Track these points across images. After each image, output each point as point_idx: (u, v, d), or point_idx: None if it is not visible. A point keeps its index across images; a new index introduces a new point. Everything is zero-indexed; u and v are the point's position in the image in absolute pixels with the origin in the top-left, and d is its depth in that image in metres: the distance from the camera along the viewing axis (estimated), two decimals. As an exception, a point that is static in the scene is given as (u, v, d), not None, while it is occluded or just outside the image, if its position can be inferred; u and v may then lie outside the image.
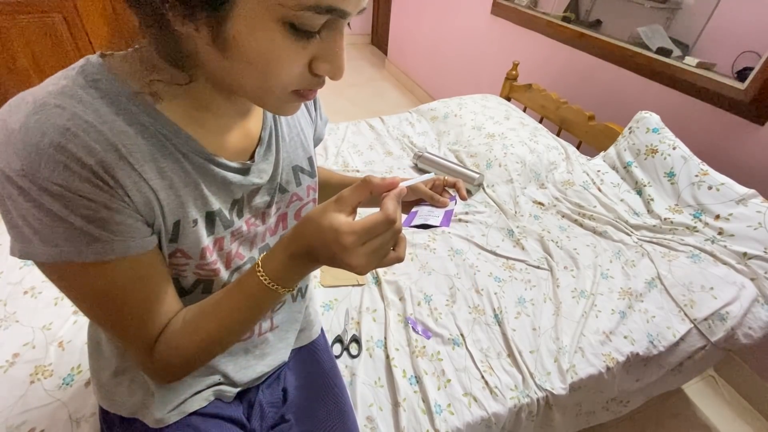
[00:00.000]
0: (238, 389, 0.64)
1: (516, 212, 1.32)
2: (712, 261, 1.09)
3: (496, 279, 1.08)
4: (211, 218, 0.46)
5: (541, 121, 1.80)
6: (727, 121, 1.30)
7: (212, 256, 0.47)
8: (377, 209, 0.40)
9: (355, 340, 0.90)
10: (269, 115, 0.52)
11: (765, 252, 1.05)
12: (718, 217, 1.15)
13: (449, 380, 0.84)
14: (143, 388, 0.57)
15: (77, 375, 0.79)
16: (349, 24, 0.38)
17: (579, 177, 1.43)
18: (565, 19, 1.84)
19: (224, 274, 0.51)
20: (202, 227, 0.45)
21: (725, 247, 1.10)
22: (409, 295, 1.01)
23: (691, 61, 1.35)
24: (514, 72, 1.93)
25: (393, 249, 0.43)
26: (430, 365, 0.87)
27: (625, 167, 1.38)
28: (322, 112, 0.66)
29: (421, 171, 1.52)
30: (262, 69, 0.35)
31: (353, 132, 1.75)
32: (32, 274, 0.96)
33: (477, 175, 1.40)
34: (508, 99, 1.99)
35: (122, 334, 0.44)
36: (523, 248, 1.18)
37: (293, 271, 0.43)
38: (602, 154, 1.50)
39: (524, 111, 1.88)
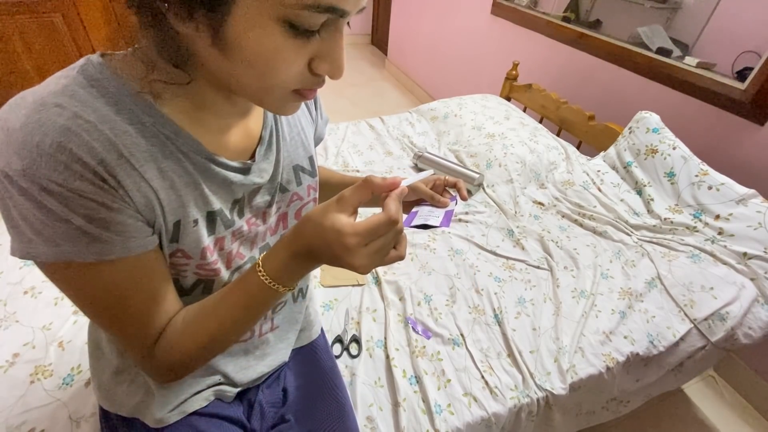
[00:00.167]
0: (239, 389, 0.64)
1: (516, 212, 1.32)
2: (712, 261, 1.09)
3: (496, 279, 1.08)
4: (212, 218, 0.46)
5: (541, 121, 1.80)
6: (727, 121, 1.30)
7: (213, 256, 0.48)
8: (376, 209, 0.40)
9: (355, 340, 0.90)
10: (270, 114, 0.52)
11: (765, 252, 1.05)
12: (718, 217, 1.15)
13: (449, 380, 0.84)
14: (143, 388, 0.57)
15: (77, 375, 0.79)
16: (348, 23, 0.38)
17: (579, 177, 1.43)
18: (565, 19, 1.84)
19: (225, 274, 0.51)
20: (202, 227, 0.45)
21: (725, 247, 1.10)
22: (409, 295, 1.01)
23: (691, 61, 1.35)
24: (514, 72, 1.93)
25: (394, 247, 0.43)
26: (430, 365, 0.87)
27: (625, 167, 1.38)
28: (323, 111, 0.66)
29: (421, 171, 1.52)
30: (261, 68, 0.35)
31: (353, 132, 1.75)
32: (32, 274, 0.96)
33: (477, 175, 1.40)
34: (508, 99, 1.99)
35: (122, 334, 0.44)
36: (523, 248, 1.18)
37: (294, 271, 0.43)
38: (602, 154, 1.50)
39: (524, 111, 1.88)
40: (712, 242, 1.13)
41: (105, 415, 0.62)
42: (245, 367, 0.64)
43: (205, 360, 0.48)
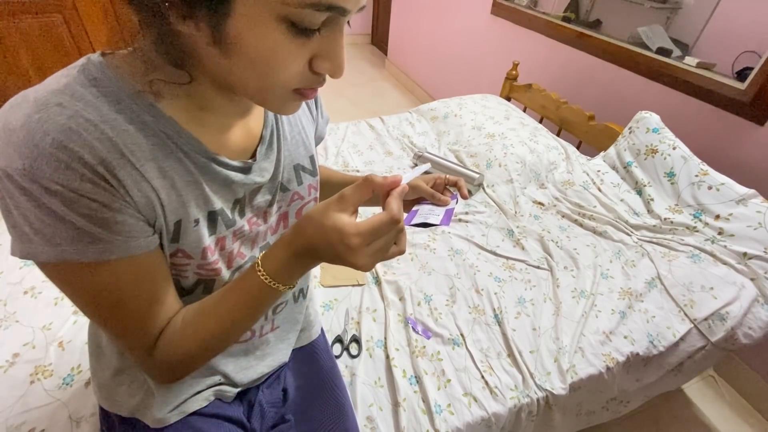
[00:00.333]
0: (239, 389, 0.64)
1: (516, 212, 1.32)
2: (712, 261, 1.09)
3: (496, 279, 1.08)
4: (213, 218, 0.46)
5: (541, 121, 1.80)
6: (727, 121, 1.30)
7: (214, 256, 0.47)
8: (375, 209, 0.40)
9: (355, 340, 0.90)
10: (270, 113, 0.52)
11: (765, 252, 1.05)
12: (718, 217, 1.15)
13: (449, 380, 0.84)
14: (143, 388, 0.57)
15: (77, 375, 0.79)
16: (348, 22, 0.38)
17: (579, 177, 1.43)
18: (565, 19, 1.84)
19: (225, 273, 0.50)
20: (203, 227, 0.45)
21: (725, 247, 1.10)
22: (409, 295, 1.01)
23: (691, 61, 1.35)
24: (514, 72, 1.93)
25: (394, 243, 0.43)
26: (430, 365, 0.87)
27: (625, 167, 1.38)
28: (323, 110, 0.66)
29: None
30: (262, 67, 0.35)
31: (353, 132, 1.75)
32: (32, 274, 0.96)
33: (477, 175, 1.40)
34: (508, 99, 1.99)
35: (122, 334, 0.44)
36: (523, 248, 1.18)
37: (294, 269, 0.43)
38: (602, 154, 1.50)
39: (524, 111, 1.88)
40: (712, 242, 1.13)
41: (105, 415, 0.62)
42: (245, 368, 0.63)
43: (205, 360, 0.48)
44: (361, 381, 0.82)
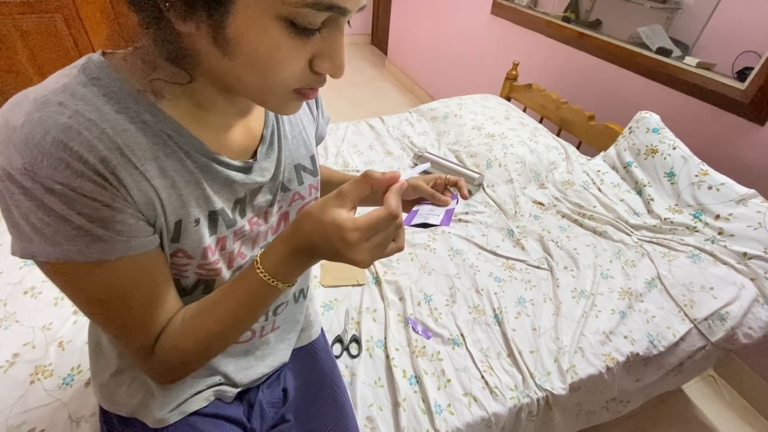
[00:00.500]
0: (239, 389, 0.64)
1: (516, 212, 1.32)
2: (712, 261, 1.09)
3: (496, 279, 1.08)
4: (213, 218, 0.46)
5: (541, 121, 1.80)
6: (727, 121, 1.30)
7: (214, 256, 0.47)
8: (374, 208, 0.40)
9: (355, 340, 0.90)
10: (271, 113, 0.52)
11: (765, 252, 1.05)
12: (718, 217, 1.15)
13: (449, 380, 0.84)
14: (144, 388, 0.57)
15: (77, 375, 0.79)
16: (349, 22, 0.38)
17: (579, 177, 1.43)
18: (565, 19, 1.84)
19: (226, 273, 0.50)
20: (204, 227, 0.45)
21: (725, 247, 1.10)
22: (409, 295, 1.01)
23: (691, 61, 1.35)
24: (514, 72, 1.93)
25: (393, 240, 0.43)
26: (430, 365, 0.87)
27: (625, 167, 1.38)
28: (324, 110, 0.66)
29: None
30: (262, 67, 0.35)
31: (353, 132, 1.75)
32: (32, 274, 0.96)
33: (477, 175, 1.40)
34: (508, 99, 1.99)
35: (122, 334, 0.43)
36: (523, 248, 1.18)
37: (293, 267, 0.42)
38: (602, 154, 1.50)
39: (524, 111, 1.88)
40: (712, 242, 1.13)
41: (105, 415, 0.62)
42: (246, 368, 0.63)
43: (205, 359, 0.48)
44: (361, 381, 0.82)
